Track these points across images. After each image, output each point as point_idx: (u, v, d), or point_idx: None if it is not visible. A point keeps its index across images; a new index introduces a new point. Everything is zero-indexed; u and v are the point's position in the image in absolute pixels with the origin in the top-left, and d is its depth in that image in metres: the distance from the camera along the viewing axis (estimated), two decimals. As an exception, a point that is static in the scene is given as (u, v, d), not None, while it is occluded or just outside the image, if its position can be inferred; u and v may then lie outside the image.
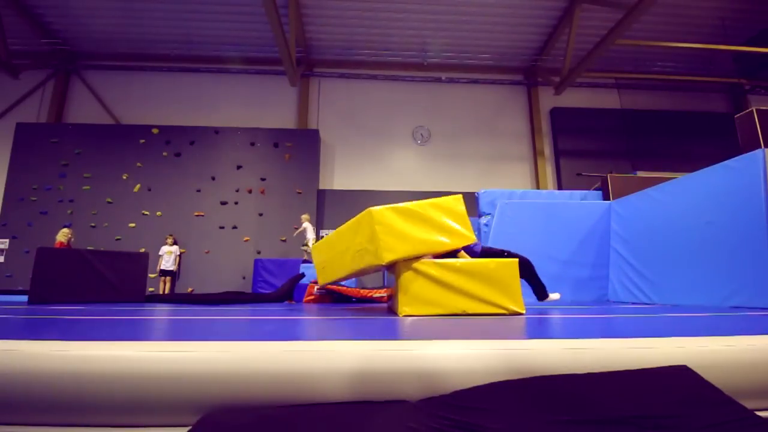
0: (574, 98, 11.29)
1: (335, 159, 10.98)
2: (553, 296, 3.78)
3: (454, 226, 3.08)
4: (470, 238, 3.11)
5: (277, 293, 5.70)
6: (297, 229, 9.08)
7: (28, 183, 9.59)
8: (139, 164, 9.91)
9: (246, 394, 1.06)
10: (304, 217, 8.98)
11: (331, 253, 3.52)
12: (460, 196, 3.23)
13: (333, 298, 5.71)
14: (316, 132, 10.56)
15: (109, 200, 9.66)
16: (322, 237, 10.09)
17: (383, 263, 2.85)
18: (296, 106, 11.11)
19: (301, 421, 0.96)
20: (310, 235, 8.73)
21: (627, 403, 0.94)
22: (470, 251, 3.45)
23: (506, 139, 11.36)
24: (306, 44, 10.70)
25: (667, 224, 5.03)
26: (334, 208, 10.37)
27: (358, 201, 10.39)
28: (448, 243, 3.02)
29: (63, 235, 7.25)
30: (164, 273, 8.80)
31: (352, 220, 3.21)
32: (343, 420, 0.97)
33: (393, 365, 1.11)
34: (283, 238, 9.65)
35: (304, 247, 8.78)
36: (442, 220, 3.05)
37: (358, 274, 3.30)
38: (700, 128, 11.21)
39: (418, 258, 2.88)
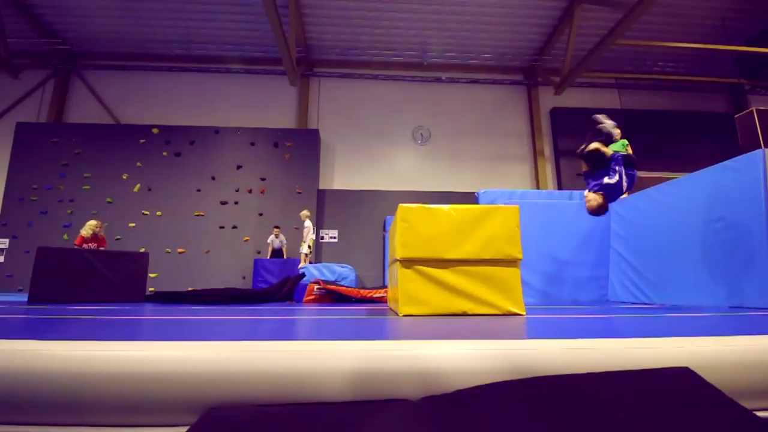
0: (574, 98, 11.28)
1: (335, 159, 10.97)
2: None
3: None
4: None
5: (274, 288, 5.70)
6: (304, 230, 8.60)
7: (28, 183, 9.59)
8: (139, 164, 9.91)
9: (246, 394, 1.06)
10: (305, 213, 8.65)
11: (439, 230, 2.97)
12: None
13: (333, 298, 5.71)
14: (316, 132, 10.56)
15: (109, 200, 9.66)
16: (322, 237, 10.14)
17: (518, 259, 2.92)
18: (296, 106, 11.11)
19: (301, 418, 0.97)
20: (312, 235, 8.54)
21: (628, 404, 0.94)
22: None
23: (506, 139, 11.36)
24: (306, 44, 10.69)
25: (667, 224, 5.03)
26: (334, 208, 10.37)
27: (358, 201, 10.40)
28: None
29: (88, 228, 6.33)
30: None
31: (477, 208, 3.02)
32: (344, 417, 0.97)
33: (393, 365, 1.11)
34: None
35: (307, 251, 8.41)
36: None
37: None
38: (700, 128, 11.20)
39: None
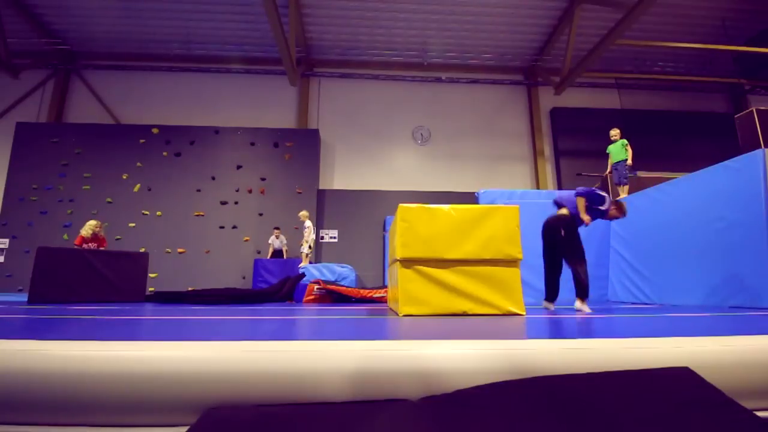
0: (574, 98, 11.28)
1: (335, 159, 10.97)
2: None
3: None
4: None
5: (274, 288, 5.70)
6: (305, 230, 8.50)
7: (28, 183, 9.58)
8: (139, 164, 9.90)
9: (246, 394, 1.06)
10: (304, 214, 8.59)
11: (439, 229, 2.98)
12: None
13: (333, 298, 5.72)
14: (316, 132, 10.56)
15: (109, 200, 9.66)
16: (322, 237, 10.14)
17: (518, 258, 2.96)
18: (296, 106, 11.11)
19: (301, 418, 0.96)
20: (312, 235, 8.51)
21: (628, 404, 0.94)
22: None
23: (506, 139, 11.35)
24: (306, 44, 10.69)
25: (667, 224, 5.03)
26: (334, 208, 10.36)
27: (358, 201, 10.40)
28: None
29: (88, 228, 6.20)
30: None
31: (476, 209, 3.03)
32: (344, 417, 0.97)
33: (393, 365, 1.11)
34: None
35: (308, 251, 8.43)
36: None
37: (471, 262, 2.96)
38: (700, 128, 11.20)
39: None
